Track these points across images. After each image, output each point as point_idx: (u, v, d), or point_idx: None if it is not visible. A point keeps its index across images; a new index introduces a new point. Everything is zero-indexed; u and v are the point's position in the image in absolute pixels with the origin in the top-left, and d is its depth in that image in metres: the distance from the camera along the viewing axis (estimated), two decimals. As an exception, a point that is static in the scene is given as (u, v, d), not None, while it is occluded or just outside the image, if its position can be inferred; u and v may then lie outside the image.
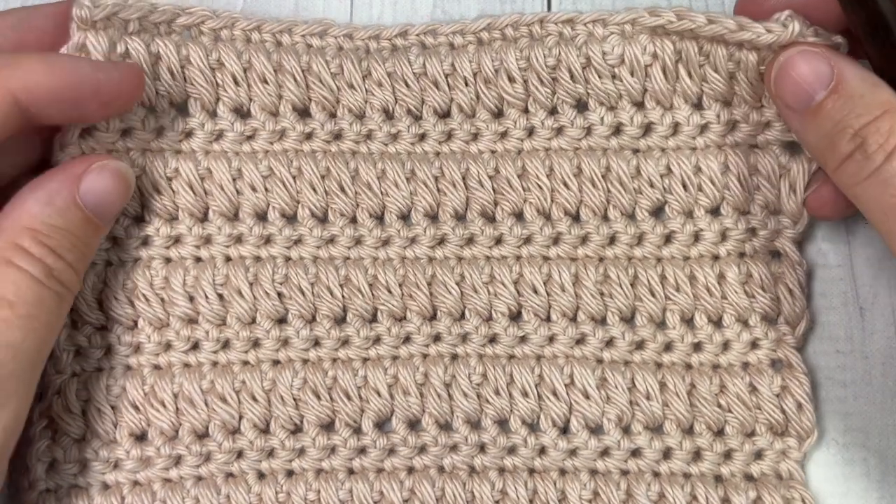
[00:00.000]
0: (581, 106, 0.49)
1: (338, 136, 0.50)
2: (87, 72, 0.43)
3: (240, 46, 0.49)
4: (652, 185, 0.48)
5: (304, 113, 0.50)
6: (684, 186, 0.48)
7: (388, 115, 0.50)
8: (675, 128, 0.49)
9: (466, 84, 0.49)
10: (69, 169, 0.44)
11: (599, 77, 0.48)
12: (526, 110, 0.49)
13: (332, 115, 0.49)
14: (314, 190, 0.49)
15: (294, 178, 0.49)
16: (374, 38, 0.50)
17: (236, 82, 0.49)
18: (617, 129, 0.49)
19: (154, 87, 0.48)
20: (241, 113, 0.50)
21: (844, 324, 0.50)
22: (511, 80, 0.49)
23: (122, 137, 0.48)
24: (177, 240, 0.49)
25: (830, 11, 0.44)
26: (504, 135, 0.50)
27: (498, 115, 0.50)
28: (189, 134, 0.49)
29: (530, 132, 0.49)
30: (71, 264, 0.42)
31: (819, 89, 0.42)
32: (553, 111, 0.49)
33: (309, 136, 0.49)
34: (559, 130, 0.49)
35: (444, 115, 0.50)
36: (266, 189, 0.49)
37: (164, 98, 0.48)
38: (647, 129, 0.49)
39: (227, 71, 0.48)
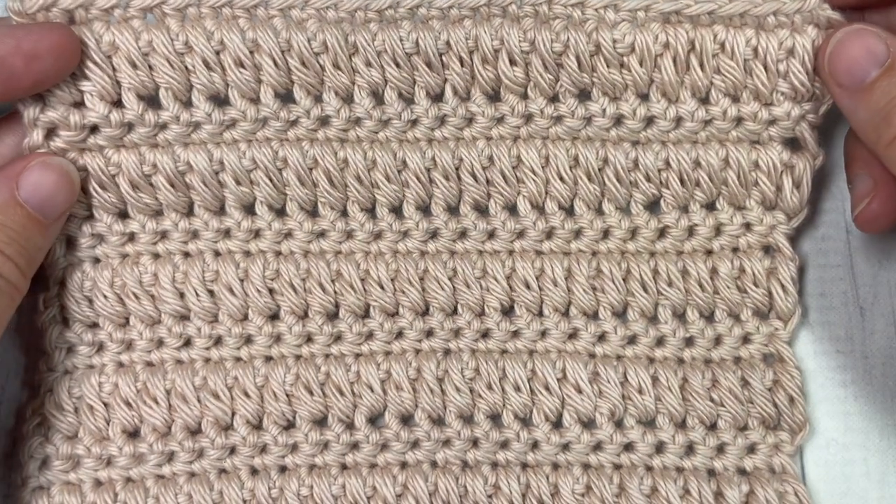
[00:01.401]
0: (583, 94, 0.47)
1: (324, 122, 0.47)
2: (3, 30, 0.42)
3: (210, 25, 0.45)
4: (648, 179, 0.47)
5: (286, 97, 0.47)
6: (682, 181, 0.47)
7: (377, 98, 0.47)
8: (678, 122, 0.47)
9: (462, 64, 0.46)
10: (8, 168, 0.44)
11: (607, 66, 0.46)
12: (525, 96, 0.47)
13: (318, 99, 0.47)
14: (301, 183, 0.47)
15: (280, 170, 0.47)
16: (361, 8, 0.46)
17: (208, 67, 0.45)
18: (618, 121, 0.47)
19: (115, 79, 0.45)
20: (219, 100, 0.47)
21: (844, 324, 0.49)
22: (512, 62, 0.46)
23: (93, 135, 0.46)
24: (163, 235, 0.48)
25: None
26: (500, 121, 0.47)
27: (494, 99, 0.47)
28: (164, 126, 0.46)
29: (527, 119, 0.47)
30: (10, 257, 0.43)
31: (874, 67, 0.42)
32: (554, 99, 0.47)
33: (294, 124, 0.47)
34: (558, 119, 0.47)
35: (437, 97, 0.47)
36: (251, 182, 0.47)
37: (130, 90, 0.45)
38: (649, 121, 0.47)
39: (197, 55, 0.45)
